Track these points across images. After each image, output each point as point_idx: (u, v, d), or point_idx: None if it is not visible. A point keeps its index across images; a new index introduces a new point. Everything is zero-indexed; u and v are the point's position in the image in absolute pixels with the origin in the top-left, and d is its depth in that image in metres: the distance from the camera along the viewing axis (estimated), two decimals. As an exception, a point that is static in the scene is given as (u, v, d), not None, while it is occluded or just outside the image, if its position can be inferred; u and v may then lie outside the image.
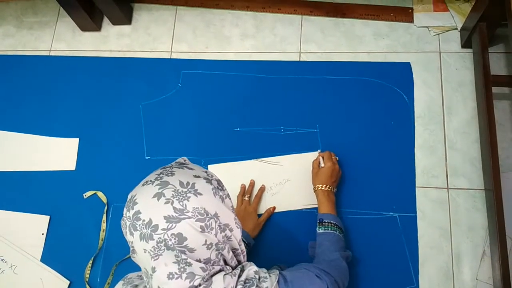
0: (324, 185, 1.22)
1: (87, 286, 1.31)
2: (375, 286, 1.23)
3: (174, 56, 1.58)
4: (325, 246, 1.11)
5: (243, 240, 0.86)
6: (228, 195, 0.80)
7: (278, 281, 0.83)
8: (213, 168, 1.39)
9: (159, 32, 1.62)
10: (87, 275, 1.32)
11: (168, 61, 1.58)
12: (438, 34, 1.48)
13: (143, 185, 0.75)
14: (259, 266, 0.86)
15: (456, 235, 1.26)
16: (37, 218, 1.41)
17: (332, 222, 1.15)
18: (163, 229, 0.69)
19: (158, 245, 0.69)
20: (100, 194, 1.41)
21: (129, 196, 0.75)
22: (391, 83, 1.43)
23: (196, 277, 0.71)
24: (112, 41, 1.63)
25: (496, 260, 1.16)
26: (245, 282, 0.78)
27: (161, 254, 0.70)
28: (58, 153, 1.48)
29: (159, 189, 0.71)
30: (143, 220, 0.70)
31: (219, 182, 0.79)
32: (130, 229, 0.72)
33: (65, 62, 1.62)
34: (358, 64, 1.47)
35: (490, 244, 1.23)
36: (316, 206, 1.24)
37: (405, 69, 1.44)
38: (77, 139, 1.49)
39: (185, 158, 0.83)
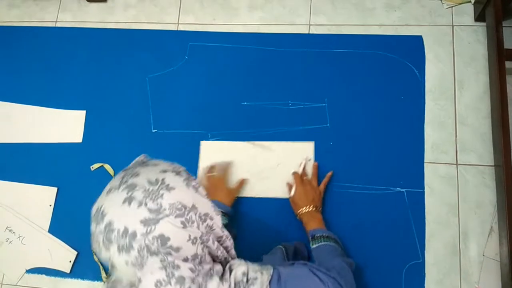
0: (304, 208, 1.19)
1: (95, 257, 1.32)
2: (381, 261, 1.23)
3: (181, 28, 1.56)
4: (322, 257, 1.06)
5: (223, 219, 0.82)
6: (199, 183, 0.75)
7: (271, 280, 0.76)
8: (205, 145, 1.39)
9: (166, 3, 1.59)
10: (95, 248, 1.33)
11: (175, 33, 1.55)
12: (451, 7, 1.44)
13: (107, 193, 0.70)
14: (247, 256, 0.81)
15: (464, 211, 1.25)
16: (44, 189, 1.41)
17: (324, 235, 1.11)
18: (142, 235, 0.64)
19: (140, 253, 0.64)
20: (107, 166, 1.41)
21: (93, 210, 0.70)
22: (402, 57, 1.40)
23: (186, 280, 0.66)
24: (118, 12, 1.61)
25: (503, 236, 1.15)
26: None
27: (145, 263, 0.65)
28: (65, 125, 1.48)
29: (127, 193, 0.66)
30: (118, 230, 0.64)
31: (187, 172, 0.75)
32: (105, 244, 0.66)
33: (71, 33, 1.60)
34: (369, 37, 1.44)
35: (498, 220, 1.22)
36: None
37: (416, 42, 1.41)
38: (84, 112, 1.49)
39: (145, 155, 0.79)
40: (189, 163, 1.38)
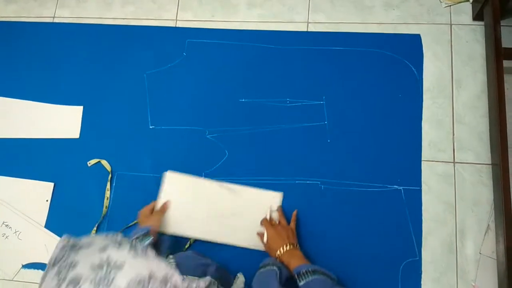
0: (281, 249, 1.13)
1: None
2: (378, 259, 1.23)
3: (180, 24, 1.55)
4: None
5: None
6: (144, 246, 0.70)
7: None
8: (170, 177, 1.34)
9: (164, 0, 1.59)
10: (91, 243, 1.33)
11: (173, 29, 1.55)
12: (450, 5, 1.44)
13: None
14: None
15: (461, 209, 1.25)
16: (41, 185, 1.41)
17: (309, 269, 1.03)
18: None
19: None
20: (104, 162, 1.40)
21: None
22: (400, 55, 1.40)
23: None
24: (116, 9, 1.61)
25: (500, 235, 1.16)
26: None
27: None
28: (62, 121, 1.48)
29: None
30: None
31: (124, 238, 0.69)
32: None
33: (69, 29, 1.60)
34: (367, 35, 1.44)
35: (495, 218, 1.22)
36: (260, 248, 1.24)
37: (415, 41, 1.42)
38: (81, 107, 1.48)
39: (66, 236, 0.69)
40: (186, 160, 1.38)
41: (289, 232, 1.18)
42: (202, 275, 1.04)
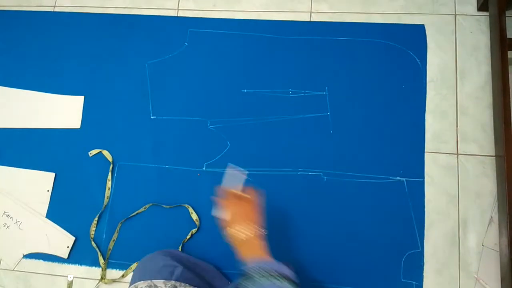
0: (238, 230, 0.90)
1: (93, 243, 1.32)
2: (380, 250, 1.23)
3: (181, 14, 1.54)
4: None
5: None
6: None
7: None
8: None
9: (166, -11, 1.58)
10: (93, 232, 1.33)
11: (175, 19, 1.54)
12: (454, -5, 1.43)
13: None
14: None
15: (463, 201, 1.25)
16: (42, 175, 1.40)
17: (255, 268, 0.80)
18: None
19: None
20: (105, 152, 1.40)
21: None
22: (404, 45, 1.39)
23: None
24: (117, -3, 1.59)
25: (503, 227, 1.15)
26: None
27: None
28: (63, 111, 1.47)
29: None
30: None
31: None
32: None
33: (70, 18, 1.59)
34: (371, 25, 1.43)
35: (498, 210, 1.21)
36: None
37: (418, 31, 1.40)
38: (82, 97, 1.47)
39: None
40: (188, 150, 1.37)
41: (247, 211, 0.94)
42: (168, 276, 1.00)
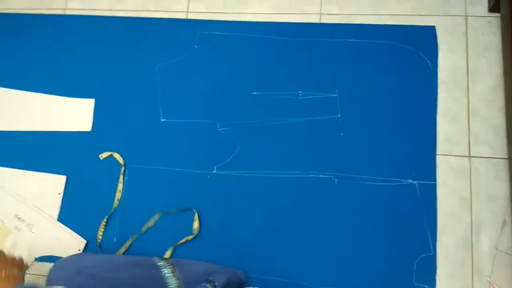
0: None
1: (99, 247, 1.32)
2: (392, 254, 1.22)
3: (191, 16, 1.54)
4: None
5: None
6: None
7: None
8: None
9: (175, -9, 1.58)
10: (100, 236, 1.33)
11: (184, 21, 1.54)
12: (465, -3, 1.42)
13: None
14: None
15: (476, 204, 1.24)
16: (53, 177, 1.41)
17: None
18: None
19: None
20: (116, 155, 1.40)
21: None
22: (415, 47, 1.38)
23: None
24: (127, 0, 1.59)
25: (517, 230, 1.14)
26: None
27: None
28: (74, 114, 1.47)
29: None
30: None
31: None
32: None
33: (80, 21, 1.59)
34: (381, 27, 1.42)
35: (511, 213, 1.21)
36: None
37: (429, 33, 1.39)
38: (93, 100, 1.48)
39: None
40: (198, 153, 1.37)
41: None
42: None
